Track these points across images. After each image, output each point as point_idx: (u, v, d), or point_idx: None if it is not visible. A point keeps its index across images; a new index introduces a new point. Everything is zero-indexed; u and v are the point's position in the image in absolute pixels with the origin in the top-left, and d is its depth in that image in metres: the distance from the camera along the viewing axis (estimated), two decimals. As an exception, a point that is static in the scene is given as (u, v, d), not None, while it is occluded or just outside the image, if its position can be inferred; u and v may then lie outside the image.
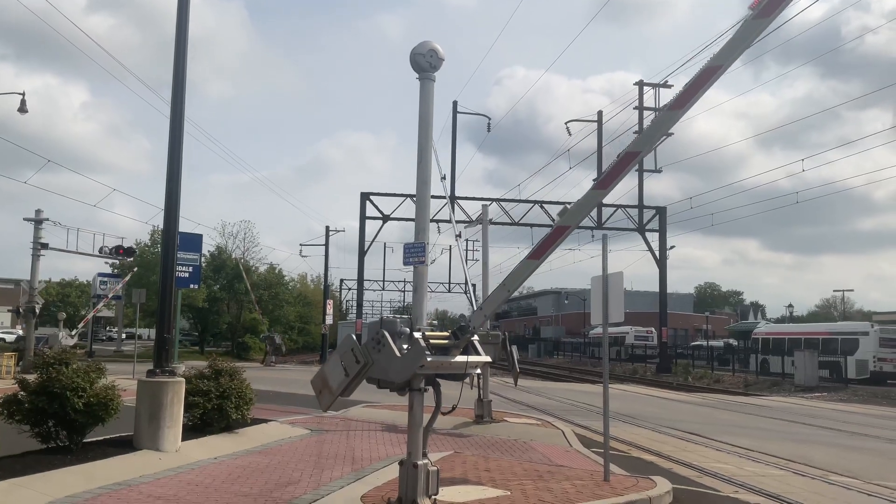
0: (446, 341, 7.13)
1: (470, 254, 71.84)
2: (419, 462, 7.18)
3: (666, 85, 44.31)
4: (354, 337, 7.31)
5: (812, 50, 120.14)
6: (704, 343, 57.31)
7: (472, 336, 7.22)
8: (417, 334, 6.98)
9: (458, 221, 43.14)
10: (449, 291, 75.91)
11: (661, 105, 44.29)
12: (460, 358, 7.12)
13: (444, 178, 16.40)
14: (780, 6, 5.89)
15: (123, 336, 58.55)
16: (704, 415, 21.30)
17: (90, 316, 42.70)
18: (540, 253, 7.05)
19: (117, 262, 42.21)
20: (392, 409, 16.42)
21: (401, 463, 7.36)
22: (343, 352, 7.17)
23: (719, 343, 56.76)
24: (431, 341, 6.96)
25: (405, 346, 6.95)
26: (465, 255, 75.17)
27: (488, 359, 7.90)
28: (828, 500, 9.53)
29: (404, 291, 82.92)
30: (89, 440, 9.68)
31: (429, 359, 6.84)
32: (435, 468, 7.34)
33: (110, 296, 42.39)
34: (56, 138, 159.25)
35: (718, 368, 44.88)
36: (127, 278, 36.96)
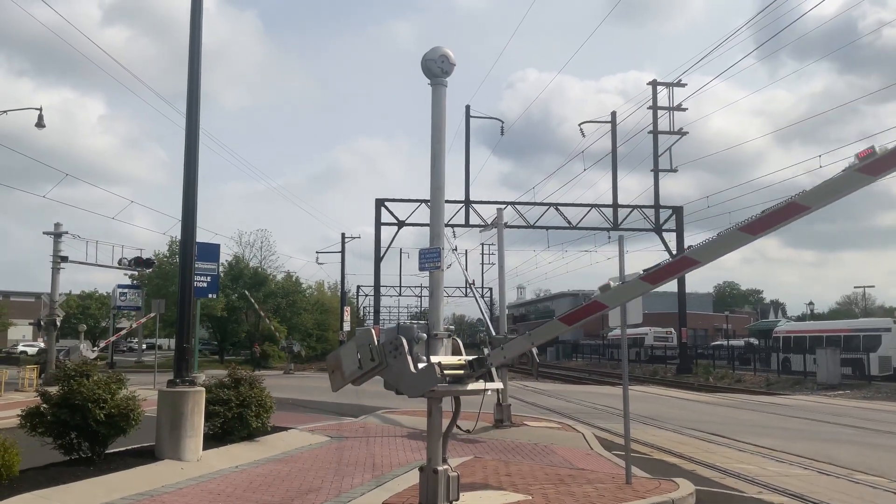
0: (461, 371, 7.05)
1: (486, 257, 71.98)
2: (439, 468, 7.16)
3: (679, 84, 44.14)
4: (374, 333, 7.26)
5: (829, 45, 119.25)
6: (725, 343, 56.85)
7: (489, 369, 7.21)
8: (434, 359, 6.90)
9: (473, 225, 43.26)
10: (465, 296, 76.05)
11: (674, 104, 44.12)
12: (472, 386, 7.11)
13: (471, 283, 16.63)
14: (888, 172, 5.34)
15: (144, 346, 58.97)
16: (726, 415, 21.13)
17: (112, 339, 43.03)
18: (570, 320, 6.98)
19: (136, 273, 42.52)
20: (411, 414, 16.40)
21: (421, 469, 7.35)
22: (361, 344, 7.16)
23: (740, 342, 56.27)
24: (446, 371, 6.85)
25: (420, 363, 6.87)
26: (465, 263, 74.80)
27: (500, 385, 7.92)
28: (854, 499, 9.41)
29: (421, 297, 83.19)
30: (111, 451, 9.74)
31: (440, 386, 6.79)
32: (455, 473, 7.32)
33: (133, 325, 42.86)
34: (74, 152, 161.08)
35: (739, 368, 44.52)
36: (143, 320, 37.22)
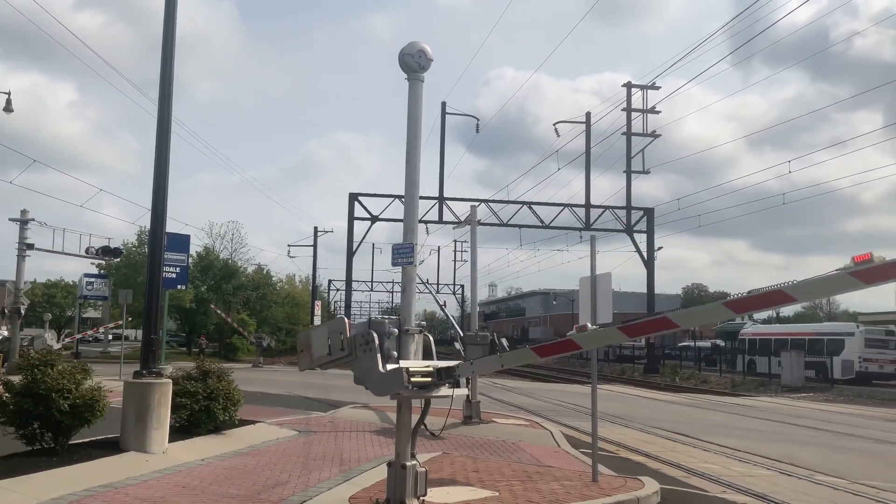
0: (429, 379, 7.03)
1: (459, 254, 72.08)
2: (407, 463, 7.16)
3: (653, 87, 44.53)
4: (348, 324, 7.23)
5: (801, 52, 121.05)
6: (692, 344, 57.47)
7: (456, 379, 7.23)
8: (403, 364, 6.91)
9: (447, 222, 43.28)
10: (438, 292, 76.06)
11: (648, 106, 44.53)
12: (439, 392, 7.13)
13: (443, 305, 16.47)
14: (881, 281, 5.11)
15: (110, 337, 58.17)
16: (692, 415, 21.38)
17: (77, 336, 42.44)
18: (543, 352, 7.08)
19: (103, 262, 41.93)
20: (380, 410, 16.39)
21: (389, 464, 7.34)
22: (333, 331, 7.14)
23: (707, 344, 56.95)
24: (413, 379, 6.85)
25: (389, 364, 6.86)
26: (437, 261, 74.94)
27: (467, 391, 7.99)
28: (815, 499, 9.58)
29: (392, 292, 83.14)
30: (75, 442, 9.60)
31: (405, 392, 6.82)
32: (423, 469, 7.32)
33: (101, 330, 42.39)
34: (42, 138, 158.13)
35: (706, 369, 45.10)
36: (110, 326, 36.65)
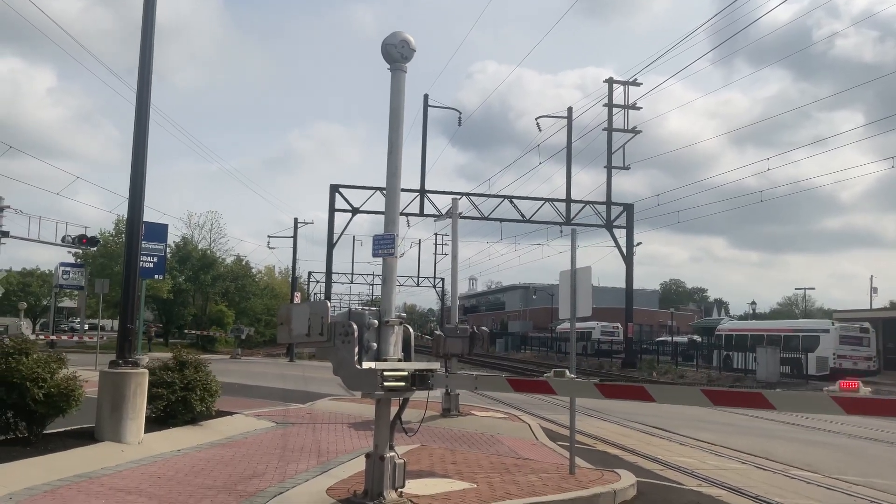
0: (402, 383, 7.10)
1: (440, 247, 72.03)
2: (386, 455, 7.15)
3: (635, 83, 44.64)
4: (329, 308, 7.24)
5: (783, 51, 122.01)
6: (669, 339, 57.94)
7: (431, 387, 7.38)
8: (379, 366, 6.95)
9: (428, 215, 43.23)
10: (418, 285, 76.03)
11: (630, 102, 44.70)
12: (415, 394, 7.29)
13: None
14: (861, 413, 5.28)
15: (86, 327, 57.63)
16: (668, 409, 21.52)
17: (52, 337, 41.81)
18: (517, 386, 7.35)
19: (80, 251, 41.49)
20: (359, 402, 16.36)
21: (367, 456, 7.33)
22: (314, 312, 7.15)
23: (684, 339, 57.44)
24: (387, 383, 6.90)
25: (365, 362, 6.90)
26: (418, 253, 74.86)
27: (440, 392, 8.22)
28: (788, 493, 9.69)
29: (373, 284, 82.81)
30: (49, 431, 9.51)
31: (377, 394, 6.92)
32: (402, 461, 7.32)
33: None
34: (19, 124, 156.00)
35: (682, 364, 45.44)
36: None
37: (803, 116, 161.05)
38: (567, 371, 7.86)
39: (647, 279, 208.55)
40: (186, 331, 50.25)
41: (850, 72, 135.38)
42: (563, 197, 44.43)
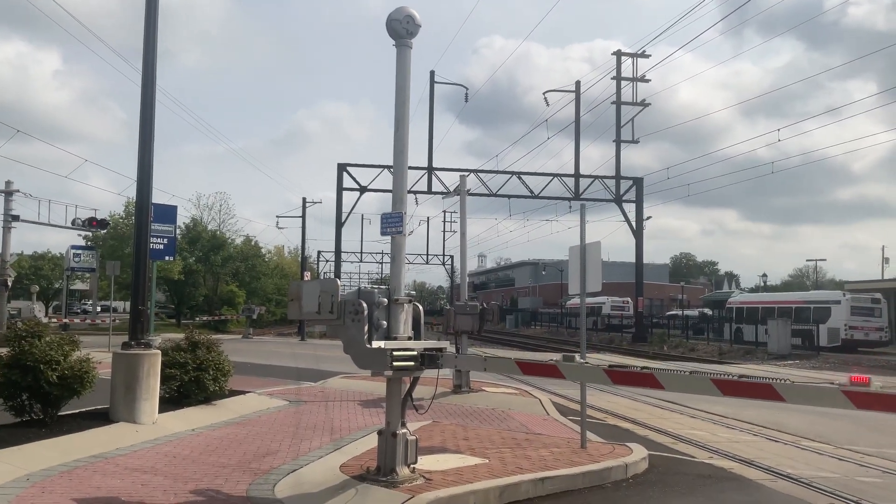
0: (412, 363, 7.12)
1: (448, 225, 71.95)
2: (398, 431, 7.20)
3: (643, 55, 44.23)
4: (339, 286, 7.28)
5: (794, 20, 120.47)
6: (680, 313, 57.87)
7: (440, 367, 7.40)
8: (388, 345, 6.97)
9: (435, 192, 43.17)
10: (427, 263, 76.03)
11: (639, 74, 44.31)
12: (423, 373, 7.32)
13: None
14: (871, 408, 5.14)
15: (98, 309, 58.05)
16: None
17: (65, 320, 42.14)
18: (526, 369, 7.21)
19: (90, 234, 41.66)
20: (370, 379, 16.42)
21: (379, 433, 7.38)
22: (325, 290, 7.17)
23: (694, 313, 57.32)
24: (396, 363, 6.93)
25: (375, 341, 6.93)
26: (427, 231, 74.74)
27: (449, 370, 8.17)
28: (800, 464, 9.71)
29: (382, 263, 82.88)
30: (64, 413, 9.60)
31: (386, 373, 6.96)
32: (414, 437, 7.37)
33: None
34: (27, 108, 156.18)
35: (693, 337, 45.40)
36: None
37: (815, 86, 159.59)
38: (576, 357, 7.85)
39: (658, 253, 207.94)
40: (197, 318, 50.52)
41: (863, 40, 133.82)
42: (572, 172, 44.24)
